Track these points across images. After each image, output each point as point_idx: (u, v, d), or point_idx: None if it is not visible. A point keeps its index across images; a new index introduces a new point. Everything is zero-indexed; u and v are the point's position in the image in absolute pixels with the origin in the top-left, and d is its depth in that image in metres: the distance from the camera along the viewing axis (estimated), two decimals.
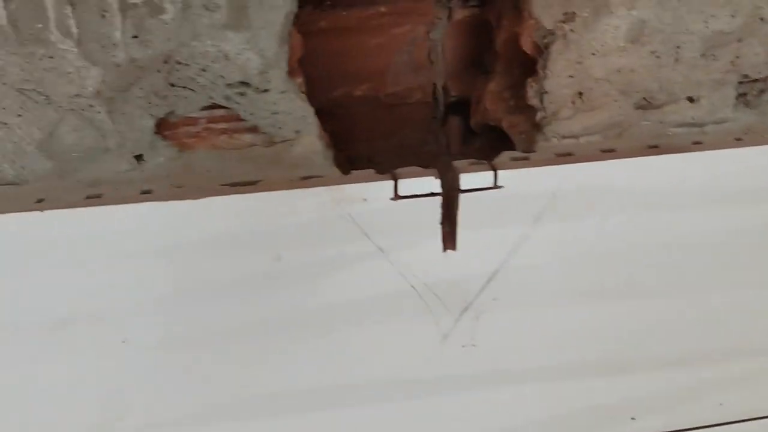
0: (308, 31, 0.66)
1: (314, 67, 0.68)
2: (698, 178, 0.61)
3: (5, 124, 0.50)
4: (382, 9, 0.68)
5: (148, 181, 0.55)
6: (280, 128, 0.57)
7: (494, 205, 0.59)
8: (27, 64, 0.48)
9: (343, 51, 0.70)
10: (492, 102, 0.69)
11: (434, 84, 0.75)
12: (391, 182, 0.56)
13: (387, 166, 0.76)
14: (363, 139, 0.76)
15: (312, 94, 0.70)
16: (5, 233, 0.49)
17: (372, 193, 0.56)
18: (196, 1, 0.48)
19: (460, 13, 0.70)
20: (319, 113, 0.73)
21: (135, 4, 0.47)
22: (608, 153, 0.61)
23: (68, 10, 0.46)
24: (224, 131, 0.57)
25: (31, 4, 0.46)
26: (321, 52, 0.68)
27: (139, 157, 0.55)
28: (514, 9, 0.64)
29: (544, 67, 0.60)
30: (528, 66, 0.65)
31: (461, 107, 0.76)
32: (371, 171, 0.57)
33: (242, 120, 0.56)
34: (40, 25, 0.47)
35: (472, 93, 0.74)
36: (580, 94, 0.62)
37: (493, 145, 0.75)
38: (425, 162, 0.77)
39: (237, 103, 0.54)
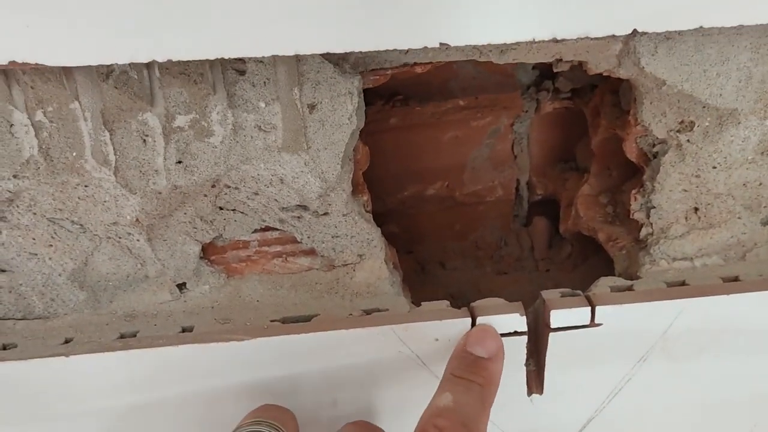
0: (377, 129, 0.59)
1: (382, 167, 0.61)
2: None
3: (35, 255, 0.45)
4: (461, 102, 0.60)
5: (191, 313, 0.48)
6: (341, 252, 0.49)
7: (590, 343, 0.49)
8: (59, 194, 0.42)
9: (415, 147, 0.62)
10: (586, 207, 0.59)
11: (517, 180, 0.66)
12: (468, 319, 0.48)
13: (461, 271, 0.69)
14: (434, 240, 0.68)
15: (380, 195, 0.63)
16: (29, 381, 0.43)
17: (445, 332, 0.47)
18: (249, 122, 0.42)
19: (549, 106, 0.61)
20: (388, 214, 0.65)
21: (180, 128, 0.41)
22: (731, 282, 0.51)
23: (106, 136, 0.41)
24: (278, 254, 0.50)
25: (66, 132, 0.40)
26: (390, 149, 0.61)
27: (181, 286, 0.49)
28: (614, 107, 0.55)
29: (653, 179, 0.51)
30: (629, 168, 0.56)
31: (547, 206, 0.67)
32: (445, 304, 0.49)
33: (298, 242, 0.49)
34: (74, 154, 0.41)
35: (561, 192, 0.65)
36: (696, 209, 0.52)
37: (585, 253, 0.66)
38: (503, 267, 0.69)
39: (293, 226, 0.47)
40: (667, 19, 0.39)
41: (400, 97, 0.59)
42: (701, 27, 0.40)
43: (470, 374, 0.41)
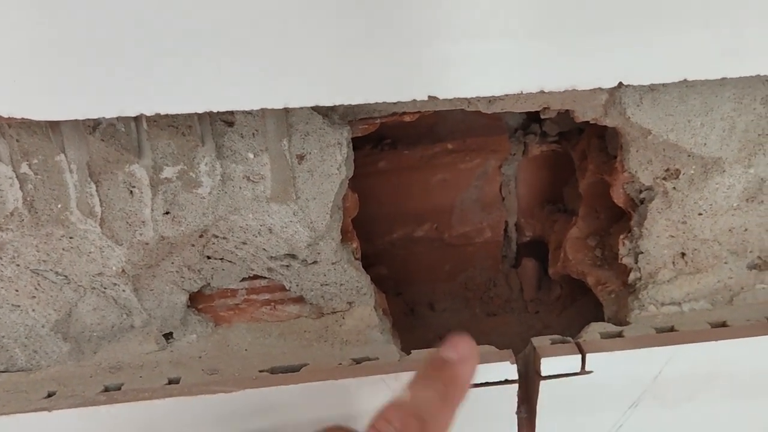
0: (366, 173, 0.59)
1: (371, 209, 0.61)
2: None
3: (17, 306, 0.44)
4: (449, 146, 0.60)
5: (177, 363, 0.47)
6: (330, 300, 0.49)
7: (582, 390, 0.49)
8: (44, 245, 0.42)
9: (404, 189, 0.62)
10: (574, 251, 0.60)
11: (505, 222, 0.66)
12: None
13: (450, 312, 0.68)
14: (423, 281, 0.68)
15: (369, 237, 0.62)
16: None
17: None
18: (238, 173, 0.42)
19: (536, 149, 0.62)
20: (377, 255, 0.65)
21: (168, 179, 0.41)
22: (719, 328, 0.51)
23: (92, 188, 0.40)
24: (266, 302, 0.49)
25: (51, 184, 0.40)
26: (379, 192, 0.61)
27: (168, 335, 0.48)
28: (600, 152, 0.56)
29: (640, 225, 0.51)
30: (616, 211, 0.56)
31: (536, 247, 0.67)
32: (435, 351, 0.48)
33: (287, 290, 0.49)
34: (59, 206, 0.40)
35: (549, 234, 0.65)
36: (683, 254, 0.52)
37: (574, 294, 0.66)
38: (492, 308, 0.68)
39: (281, 274, 0.47)
40: (652, 73, 0.40)
41: (389, 140, 0.60)
42: (685, 80, 0.40)
43: (433, 373, 0.39)
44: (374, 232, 0.63)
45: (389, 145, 0.60)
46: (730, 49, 0.40)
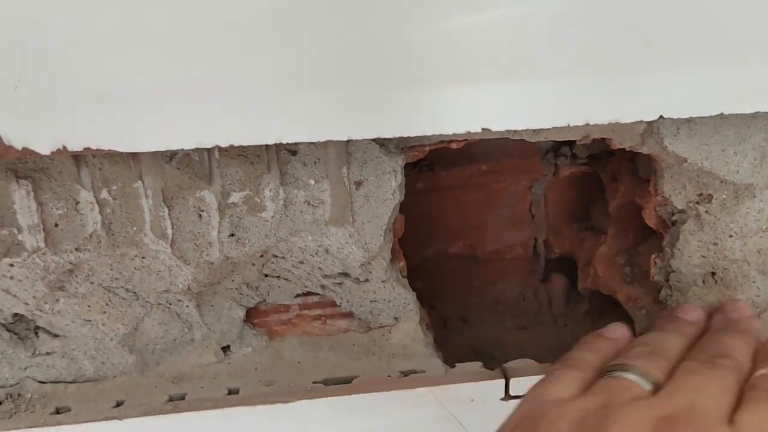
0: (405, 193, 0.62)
1: (409, 227, 0.63)
2: None
3: (89, 321, 0.47)
4: (484, 167, 0.63)
5: (235, 374, 0.50)
6: (378, 315, 0.51)
7: None
8: (117, 264, 0.45)
9: (440, 208, 0.65)
10: (604, 268, 0.62)
11: (535, 239, 0.69)
12: (502, 380, 0.50)
13: (481, 325, 0.71)
14: (456, 295, 0.70)
15: (405, 253, 0.65)
16: None
17: (480, 393, 0.50)
18: (299, 198, 0.44)
19: (567, 170, 0.65)
20: (412, 270, 0.68)
21: (234, 204, 0.44)
22: None
23: (165, 212, 0.43)
24: (317, 318, 0.52)
25: (127, 208, 0.43)
26: (416, 211, 0.64)
27: (225, 348, 0.51)
28: (632, 175, 0.58)
29: (672, 245, 0.54)
30: (645, 230, 0.59)
31: (564, 263, 0.70)
32: (478, 365, 0.51)
33: (337, 306, 0.51)
34: (134, 228, 0.43)
35: (578, 251, 0.67)
36: (713, 273, 0.55)
37: (602, 308, 0.68)
38: (523, 321, 0.71)
39: (333, 291, 0.50)
40: (691, 107, 0.43)
41: (426, 162, 0.62)
42: (721, 113, 0.43)
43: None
44: (411, 248, 0.66)
45: (427, 166, 0.62)
46: (763, 86, 0.42)
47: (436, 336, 0.64)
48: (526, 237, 0.68)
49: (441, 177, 0.63)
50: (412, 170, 0.62)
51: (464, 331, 0.69)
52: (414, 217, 0.64)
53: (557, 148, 0.66)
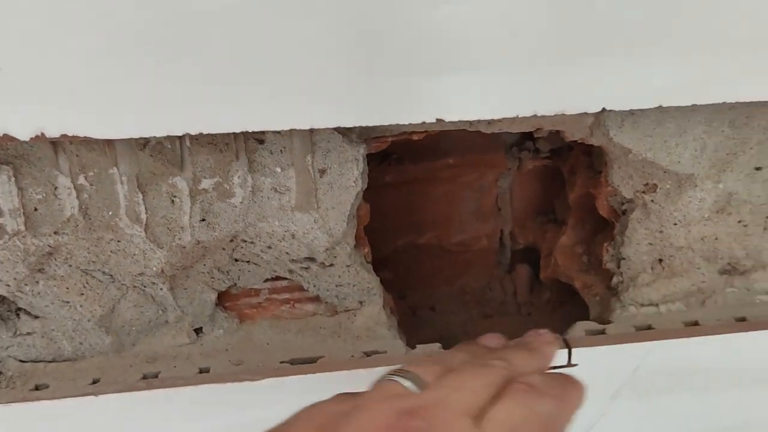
0: (373, 185, 0.65)
1: (378, 219, 0.66)
2: None
3: (67, 302, 0.49)
4: (450, 161, 0.66)
5: (207, 355, 0.53)
6: (343, 299, 0.54)
7: None
8: (94, 248, 0.47)
9: (408, 201, 0.68)
10: (563, 257, 0.65)
11: (501, 231, 0.72)
12: None
13: (449, 314, 0.74)
14: (425, 286, 0.73)
15: (375, 244, 0.68)
16: (61, 420, 0.47)
17: None
18: (266, 185, 0.47)
19: (530, 164, 0.68)
20: (382, 261, 0.71)
21: (205, 190, 0.47)
22: (692, 327, 0.57)
23: (139, 197, 0.46)
24: (286, 301, 0.55)
25: (104, 194, 0.45)
26: (386, 203, 0.67)
27: (198, 330, 0.53)
28: (588, 168, 0.62)
29: (622, 233, 0.57)
30: (602, 221, 0.62)
31: (528, 254, 0.73)
32: (437, 346, 0.54)
33: (305, 290, 0.54)
34: (110, 213, 0.46)
35: (541, 242, 0.71)
36: (660, 260, 0.58)
37: (563, 297, 0.71)
38: (488, 310, 0.74)
39: (300, 275, 0.53)
40: (631, 99, 0.46)
41: (395, 156, 0.65)
42: (660, 106, 0.46)
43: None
44: (381, 240, 0.69)
45: (395, 160, 0.65)
46: (700, 79, 0.45)
47: (404, 324, 0.67)
48: (492, 229, 0.72)
49: (409, 170, 0.66)
50: (381, 163, 0.65)
51: (432, 320, 0.72)
52: (384, 209, 0.67)
53: (521, 143, 0.69)
